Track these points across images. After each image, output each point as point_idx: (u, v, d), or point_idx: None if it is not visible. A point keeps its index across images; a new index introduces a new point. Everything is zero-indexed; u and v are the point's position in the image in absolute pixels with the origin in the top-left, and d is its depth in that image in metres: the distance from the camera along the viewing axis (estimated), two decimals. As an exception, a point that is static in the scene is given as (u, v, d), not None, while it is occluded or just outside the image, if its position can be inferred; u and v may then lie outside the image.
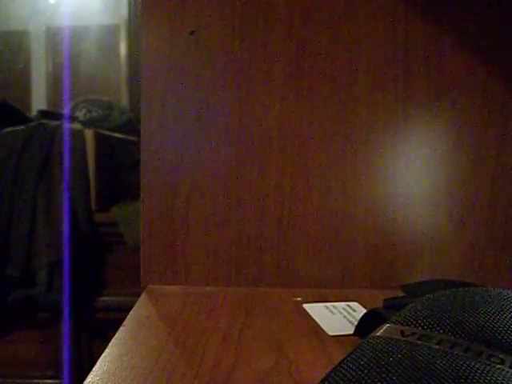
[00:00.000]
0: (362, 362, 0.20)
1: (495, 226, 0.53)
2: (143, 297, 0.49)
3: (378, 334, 0.22)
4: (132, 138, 1.53)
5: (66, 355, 1.26)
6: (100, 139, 1.38)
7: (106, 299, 1.32)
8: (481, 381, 0.18)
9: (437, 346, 0.20)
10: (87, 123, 1.54)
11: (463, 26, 0.52)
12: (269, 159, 0.52)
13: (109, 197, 1.40)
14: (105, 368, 0.33)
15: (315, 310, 0.46)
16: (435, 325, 0.22)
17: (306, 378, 0.32)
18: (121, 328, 0.40)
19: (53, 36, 2.23)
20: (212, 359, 0.35)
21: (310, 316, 0.44)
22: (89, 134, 1.35)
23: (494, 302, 0.24)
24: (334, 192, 0.52)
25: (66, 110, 1.77)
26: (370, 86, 0.52)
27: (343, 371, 0.20)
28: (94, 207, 1.33)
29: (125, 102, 2.17)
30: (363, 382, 0.18)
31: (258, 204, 0.52)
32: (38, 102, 2.23)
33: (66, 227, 1.25)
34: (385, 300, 0.43)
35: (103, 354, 0.35)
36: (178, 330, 0.40)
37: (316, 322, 0.43)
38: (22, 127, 1.36)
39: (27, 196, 1.27)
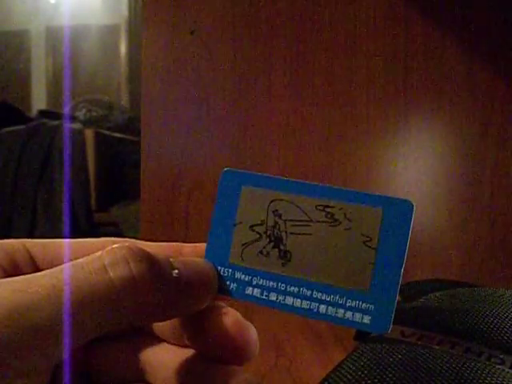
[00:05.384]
0: (362, 363, 0.20)
1: (495, 225, 0.53)
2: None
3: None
4: (132, 138, 1.53)
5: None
6: (100, 139, 1.38)
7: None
8: (481, 381, 0.18)
9: (437, 347, 0.20)
10: (87, 123, 1.54)
11: (464, 25, 0.52)
12: (269, 159, 0.52)
13: (109, 197, 1.40)
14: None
15: None
16: (435, 325, 0.22)
17: (305, 378, 0.33)
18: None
19: (53, 35, 2.23)
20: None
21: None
22: (89, 133, 1.35)
23: (494, 303, 0.24)
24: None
25: (66, 110, 1.77)
26: (371, 86, 0.52)
27: (343, 371, 0.20)
28: (93, 207, 1.33)
29: (125, 101, 2.17)
30: (363, 382, 0.18)
31: (258, 204, 0.52)
32: (38, 101, 2.23)
33: (66, 227, 1.25)
34: None
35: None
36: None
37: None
38: (22, 127, 1.36)
39: (27, 196, 1.27)
